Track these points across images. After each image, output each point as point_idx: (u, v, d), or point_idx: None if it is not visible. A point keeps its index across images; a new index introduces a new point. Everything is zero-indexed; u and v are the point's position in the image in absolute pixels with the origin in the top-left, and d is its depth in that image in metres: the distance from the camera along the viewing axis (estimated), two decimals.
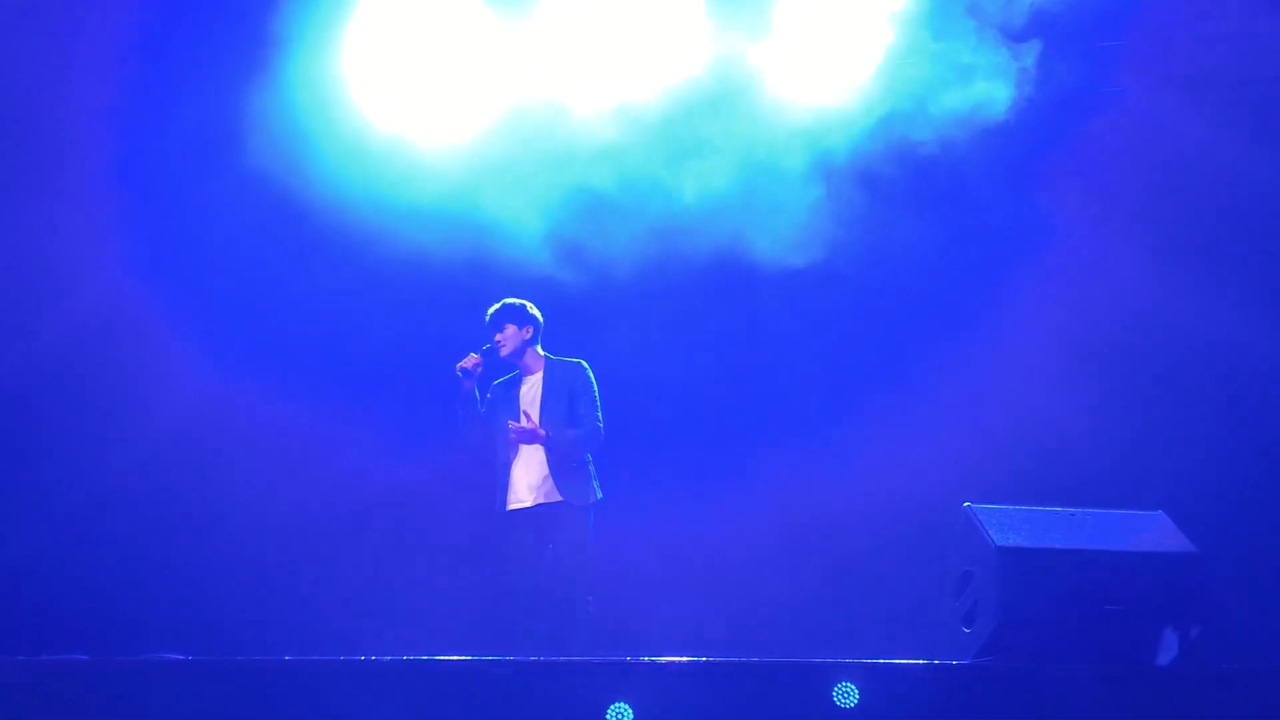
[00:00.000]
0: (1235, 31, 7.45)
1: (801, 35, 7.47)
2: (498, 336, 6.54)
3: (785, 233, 7.36)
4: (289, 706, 4.94)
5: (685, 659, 5.15)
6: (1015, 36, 7.27)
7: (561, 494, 6.39)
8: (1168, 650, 5.69)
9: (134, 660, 5.34)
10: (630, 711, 4.95)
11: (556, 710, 4.88)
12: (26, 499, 7.59)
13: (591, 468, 6.54)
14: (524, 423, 6.39)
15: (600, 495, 6.52)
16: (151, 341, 7.73)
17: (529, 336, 6.59)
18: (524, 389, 6.58)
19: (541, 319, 6.68)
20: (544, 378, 6.57)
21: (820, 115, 7.45)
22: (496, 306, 6.62)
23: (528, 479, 6.40)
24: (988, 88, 7.20)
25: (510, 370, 6.71)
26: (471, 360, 6.47)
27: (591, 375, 6.62)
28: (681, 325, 7.90)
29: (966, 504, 5.80)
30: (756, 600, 7.45)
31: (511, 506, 6.45)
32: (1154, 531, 5.84)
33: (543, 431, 6.38)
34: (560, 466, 6.38)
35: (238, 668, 5.04)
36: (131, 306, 7.73)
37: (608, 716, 4.90)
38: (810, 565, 7.48)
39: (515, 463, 6.44)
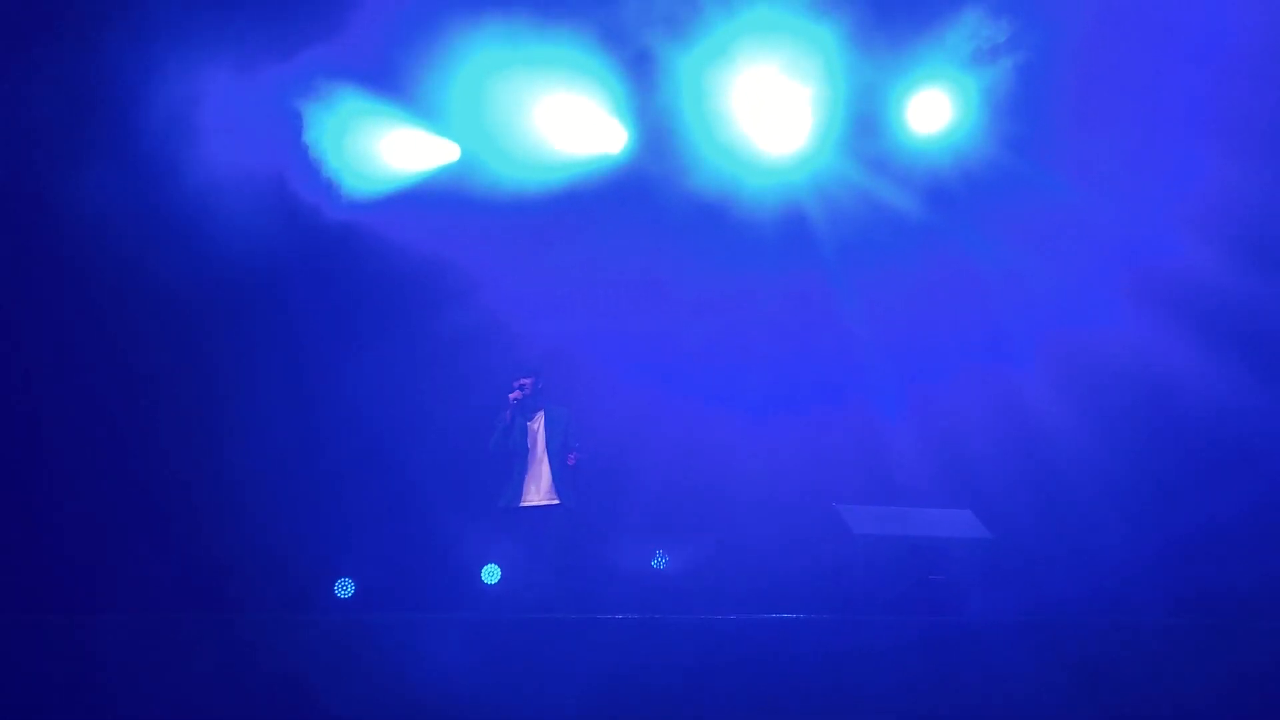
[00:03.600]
0: None
1: None
2: (522, 381, 8.85)
3: None
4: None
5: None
6: None
7: (559, 498, 8.77)
8: (973, 605, 7.98)
9: None
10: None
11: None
12: None
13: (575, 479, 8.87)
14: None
15: (579, 499, 8.85)
16: None
17: (540, 387, 8.89)
18: (532, 422, 8.88)
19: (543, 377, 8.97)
20: (545, 416, 8.91)
21: None
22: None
23: (536, 485, 8.75)
24: None
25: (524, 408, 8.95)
26: (514, 398, 8.83)
27: (573, 413, 8.95)
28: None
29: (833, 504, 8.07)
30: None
31: (525, 504, 8.80)
32: (963, 523, 8.16)
33: (574, 459, 8.73)
34: (558, 479, 8.71)
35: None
36: None
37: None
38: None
39: (528, 474, 8.76)
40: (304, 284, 9.64)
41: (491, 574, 6.74)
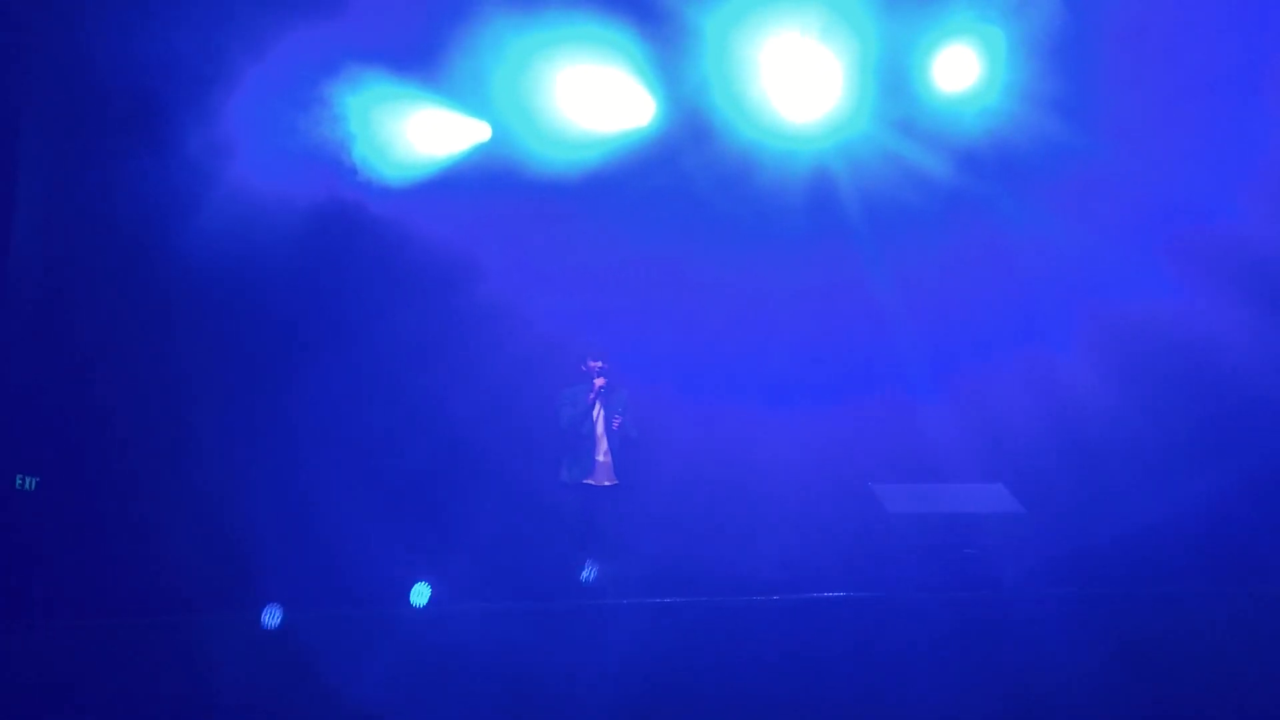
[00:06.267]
0: None
1: None
2: (598, 365, 9.15)
3: None
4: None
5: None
6: None
7: (617, 479, 9.16)
8: (1007, 579, 8.05)
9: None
10: None
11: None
12: None
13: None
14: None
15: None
16: None
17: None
18: (598, 402, 9.20)
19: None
20: (605, 395, 9.20)
21: None
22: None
23: (600, 466, 9.18)
24: None
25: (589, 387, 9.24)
26: (599, 384, 9.19)
27: (630, 394, 9.25)
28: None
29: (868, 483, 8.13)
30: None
31: (589, 481, 9.18)
32: (995, 498, 8.21)
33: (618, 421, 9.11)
34: (618, 460, 9.17)
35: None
36: None
37: None
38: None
39: (593, 454, 9.16)
40: (332, 270, 9.69)
41: (420, 594, 6.81)
